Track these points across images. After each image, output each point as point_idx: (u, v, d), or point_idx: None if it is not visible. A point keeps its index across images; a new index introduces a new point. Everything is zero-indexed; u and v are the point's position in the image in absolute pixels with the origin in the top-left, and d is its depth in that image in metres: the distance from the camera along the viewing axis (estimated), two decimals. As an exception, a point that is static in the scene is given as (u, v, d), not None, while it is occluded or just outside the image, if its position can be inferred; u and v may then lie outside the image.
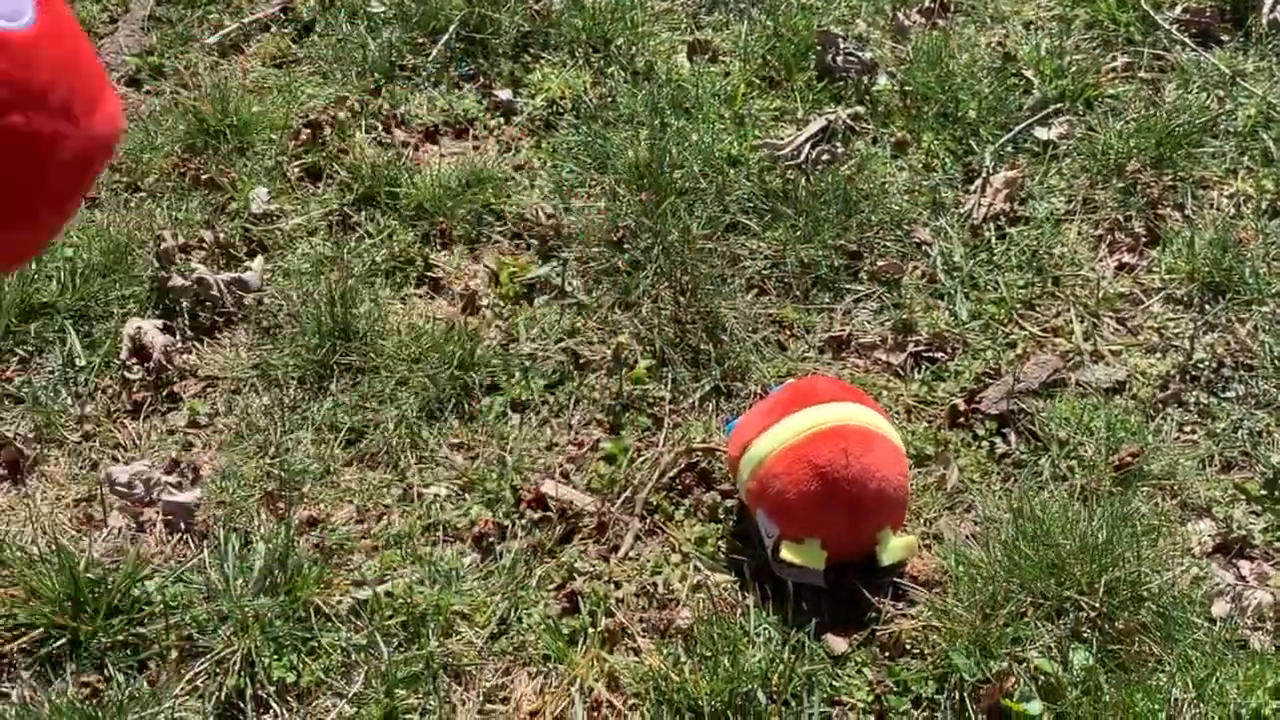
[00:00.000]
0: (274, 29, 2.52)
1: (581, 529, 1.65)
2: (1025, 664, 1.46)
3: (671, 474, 1.72)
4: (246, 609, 1.50)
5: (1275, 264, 1.99)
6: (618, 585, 1.58)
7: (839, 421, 1.54)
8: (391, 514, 1.67)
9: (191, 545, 1.63)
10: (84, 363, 1.86)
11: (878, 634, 1.51)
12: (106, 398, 1.83)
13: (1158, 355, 1.89)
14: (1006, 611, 1.50)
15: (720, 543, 1.63)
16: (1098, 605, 1.49)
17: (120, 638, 1.50)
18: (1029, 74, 2.36)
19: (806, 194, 2.11)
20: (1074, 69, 2.35)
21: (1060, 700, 1.42)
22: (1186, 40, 2.43)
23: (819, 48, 2.40)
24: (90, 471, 1.73)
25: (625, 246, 2.03)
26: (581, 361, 1.88)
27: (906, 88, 2.33)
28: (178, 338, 1.91)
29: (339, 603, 1.54)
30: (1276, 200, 2.10)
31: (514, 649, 1.51)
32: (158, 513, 1.67)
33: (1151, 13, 2.48)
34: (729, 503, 1.68)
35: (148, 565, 1.58)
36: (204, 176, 2.14)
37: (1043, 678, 1.44)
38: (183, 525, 1.65)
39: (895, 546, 1.53)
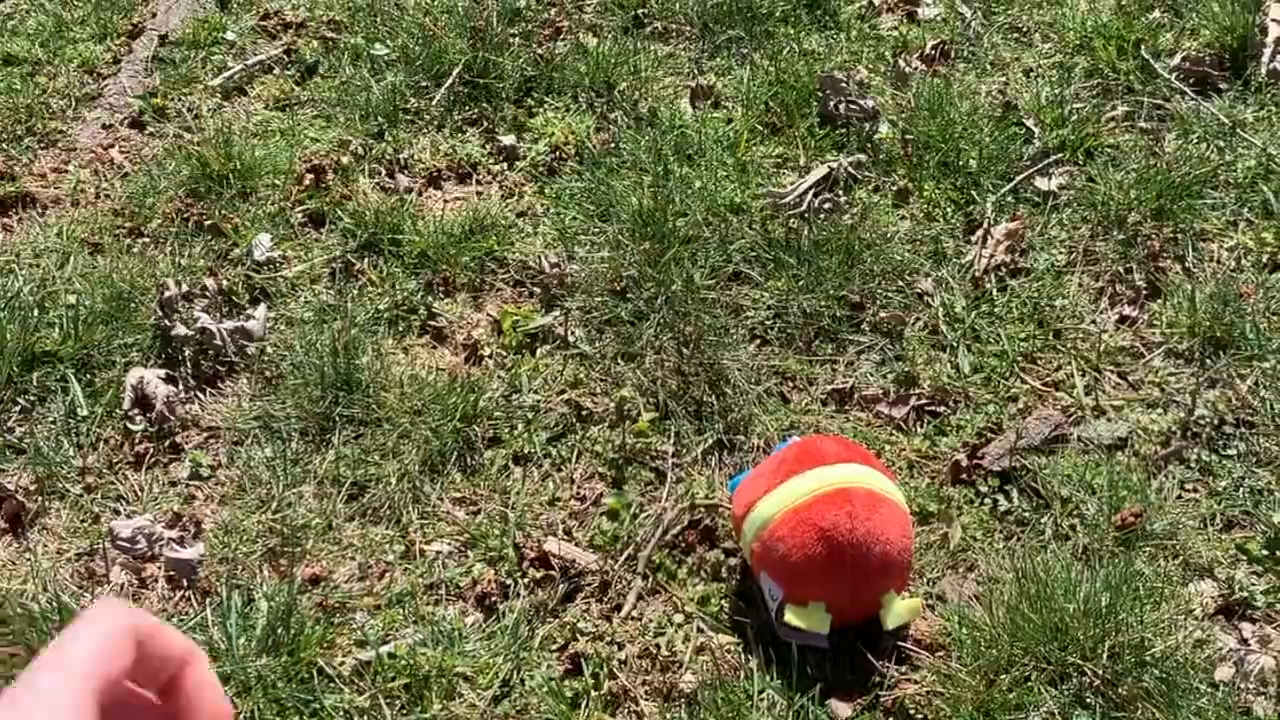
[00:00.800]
0: (277, 70, 2.53)
1: (584, 587, 1.65)
2: (1029, 731, 1.46)
3: (674, 531, 1.72)
4: (250, 670, 1.50)
5: (1275, 319, 2.00)
6: (620, 646, 1.58)
7: (844, 484, 1.54)
8: (394, 571, 1.66)
9: (194, 603, 1.63)
10: (86, 412, 1.86)
11: (882, 699, 1.51)
12: (109, 449, 1.83)
13: (1159, 411, 1.90)
14: (1010, 677, 1.50)
15: (723, 602, 1.63)
16: (1100, 671, 1.49)
17: (121, 699, 1.49)
18: (1029, 123, 2.37)
19: (809, 243, 2.11)
20: (1074, 118, 2.37)
21: (1064, 769, 1.42)
22: (1186, 89, 2.44)
23: (821, 94, 2.41)
24: (92, 525, 1.73)
25: (629, 296, 2.03)
26: (584, 413, 1.88)
27: (908, 136, 2.34)
28: (180, 387, 1.90)
29: (341, 663, 1.53)
30: (1277, 254, 2.11)
31: (516, 712, 1.51)
32: (160, 568, 1.66)
33: (1151, 61, 2.50)
34: (732, 561, 1.68)
35: (149, 623, 1.57)
36: (207, 222, 2.14)
37: (1046, 745, 1.44)
38: (185, 582, 1.64)
39: (900, 610, 1.53)
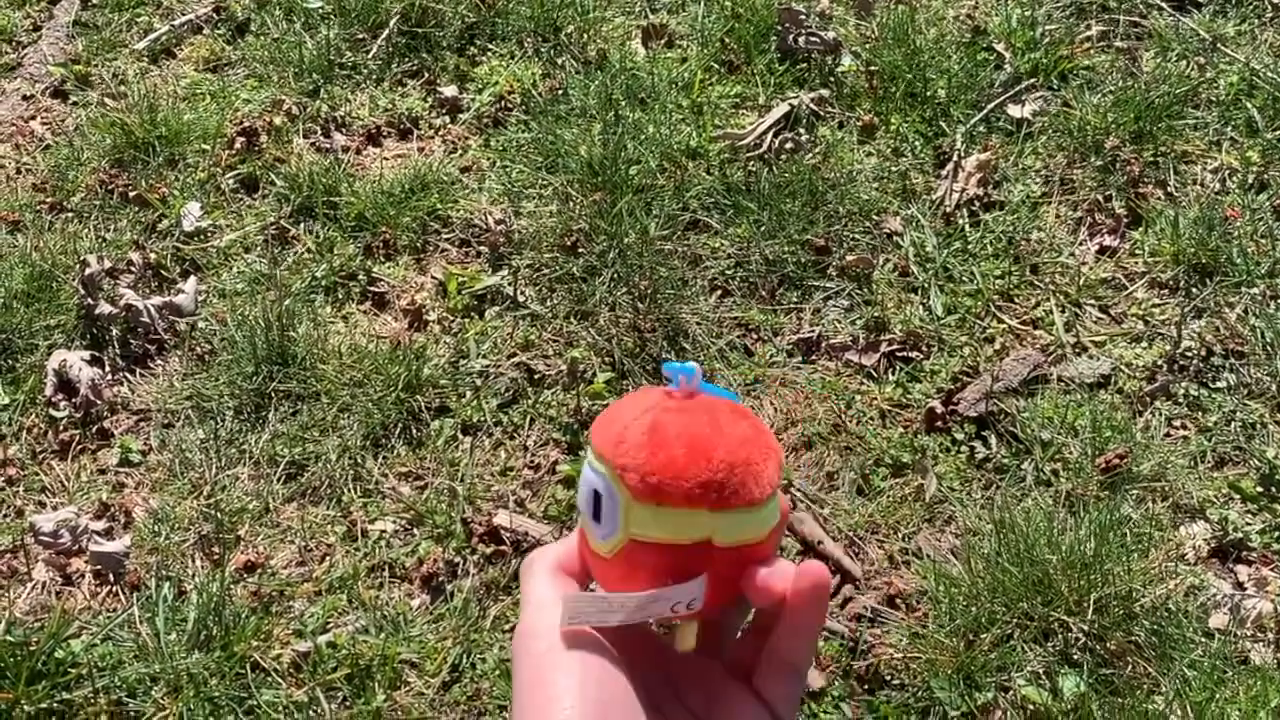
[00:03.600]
0: (207, 31, 2.39)
1: (538, 562, 1.55)
2: (1012, 693, 1.37)
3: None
4: (179, 668, 1.40)
5: (1263, 242, 1.89)
6: (577, 622, 1.48)
7: None
8: (335, 554, 1.56)
9: (122, 598, 1.53)
10: (6, 401, 1.75)
11: (855, 665, 1.42)
12: (31, 438, 1.72)
13: (1143, 345, 1.79)
14: (991, 636, 1.41)
15: (686, 570, 1.53)
16: (1087, 626, 1.40)
17: (45, 705, 1.39)
18: (1000, 47, 2.24)
19: (770, 186, 2.00)
20: (1047, 40, 2.24)
21: (1051, 731, 1.33)
22: (1163, 4, 2.31)
23: (780, 28, 2.28)
24: (15, 520, 1.63)
25: (580, 251, 1.92)
26: (536, 377, 1.78)
27: (872, 67, 2.22)
28: (107, 369, 1.79)
29: (279, 656, 1.44)
30: (1263, 173, 2.00)
31: (467, 698, 1.41)
32: (86, 563, 1.56)
33: (1126, -23, 2.37)
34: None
35: (74, 622, 1.48)
36: (133, 193, 2.02)
37: (1031, 707, 1.35)
38: (112, 576, 1.54)
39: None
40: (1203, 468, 1.63)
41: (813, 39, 2.25)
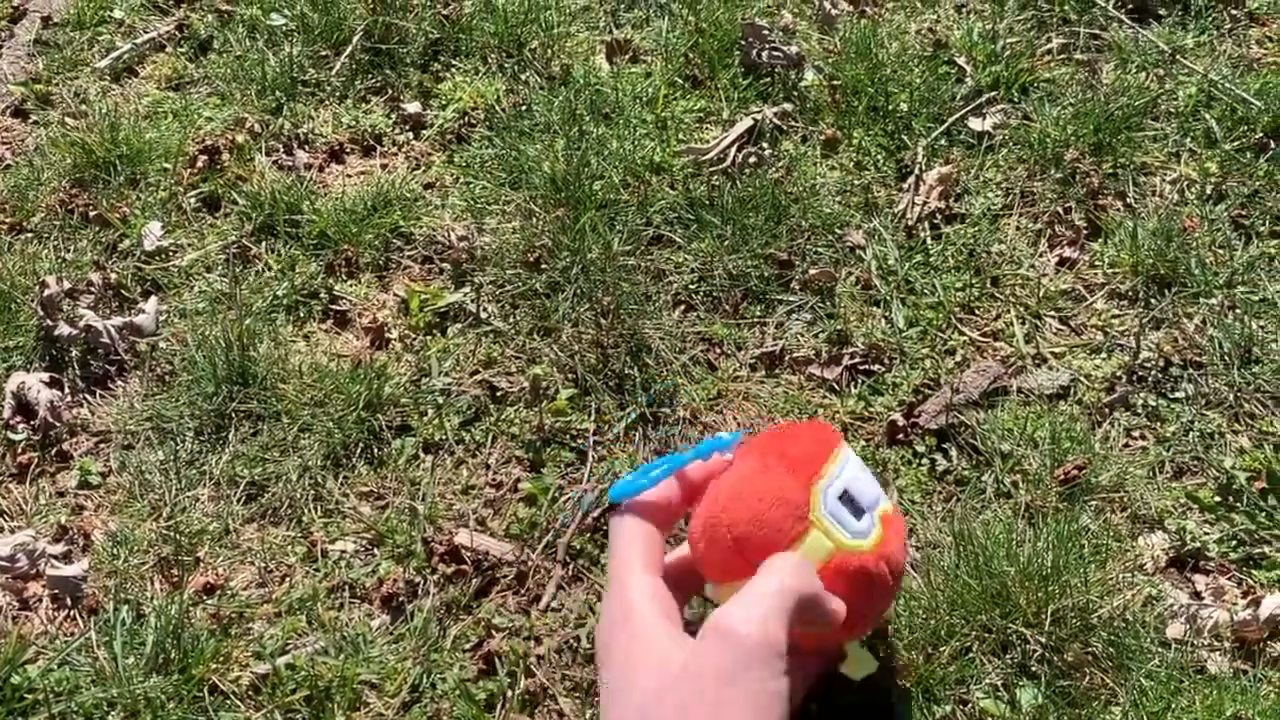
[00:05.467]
0: (170, 49, 2.39)
1: (499, 580, 1.55)
2: (970, 705, 1.38)
3: (596, 513, 1.62)
4: (137, 692, 1.39)
5: (1221, 252, 1.91)
6: (538, 641, 1.48)
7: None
8: (294, 575, 1.56)
9: (80, 622, 1.52)
10: (-36, 424, 1.74)
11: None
12: (-11, 462, 1.71)
13: (1103, 356, 1.80)
14: (949, 649, 1.41)
15: (648, 586, 1.53)
16: (1045, 638, 1.41)
17: (-1, 732, 1.38)
18: (961, 61, 2.26)
19: (733, 200, 2.00)
20: (1008, 54, 2.26)
21: (1009, 744, 1.34)
22: (1123, 17, 2.34)
23: (744, 42, 2.29)
24: (-29, 544, 1.61)
25: (543, 267, 1.92)
26: (499, 394, 1.77)
27: (835, 82, 2.23)
28: (66, 391, 1.78)
29: (237, 679, 1.43)
30: (1221, 183, 2.02)
31: (427, 718, 1.41)
32: (44, 587, 1.55)
33: (1086, -11, 2.39)
34: (657, 541, 1.58)
35: (31, 648, 1.46)
36: (93, 213, 2.01)
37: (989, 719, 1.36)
38: (70, 600, 1.53)
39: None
40: (1161, 478, 1.64)
41: (776, 53, 2.27)
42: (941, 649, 1.41)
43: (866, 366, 1.81)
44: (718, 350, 1.84)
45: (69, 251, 1.98)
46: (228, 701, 1.41)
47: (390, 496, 1.64)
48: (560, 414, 1.74)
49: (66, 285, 1.87)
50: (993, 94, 2.19)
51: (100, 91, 2.28)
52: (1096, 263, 1.93)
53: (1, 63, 2.37)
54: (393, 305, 1.90)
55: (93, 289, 1.90)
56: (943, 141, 2.12)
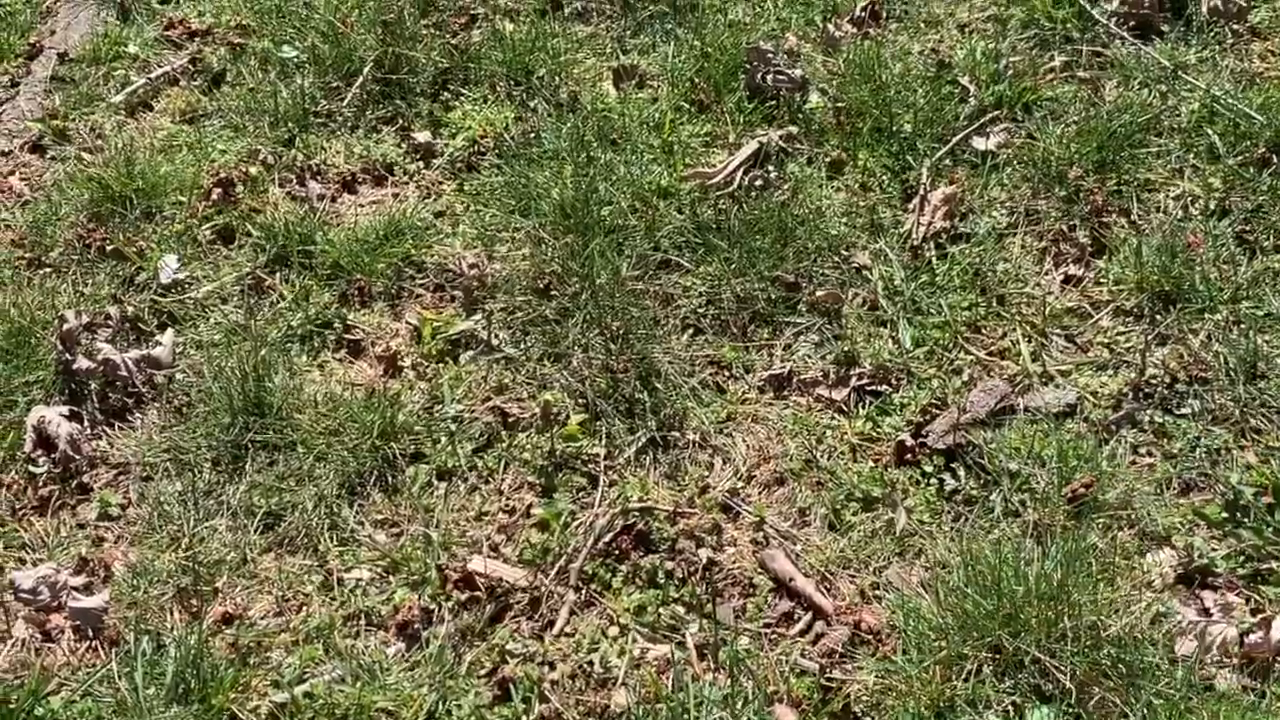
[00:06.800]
0: (183, 82, 2.43)
1: (513, 606, 1.57)
2: (982, 726, 1.39)
3: (608, 538, 1.63)
4: (158, 722, 1.42)
5: (1226, 268, 1.92)
6: (552, 666, 1.50)
7: None
8: (311, 604, 1.58)
9: (102, 653, 1.54)
10: (-14, 458, 1.77)
11: (828, 702, 1.43)
12: (11, 495, 1.73)
13: (1109, 373, 1.82)
14: (961, 670, 1.42)
15: (660, 610, 1.55)
16: (1054, 659, 1.42)
17: (24, 764, 1.41)
18: (965, 81, 2.28)
19: (740, 224, 2.03)
20: (1011, 72, 2.28)
21: (1020, 764, 1.35)
22: (1125, 34, 2.35)
23: (749, 66, 2.31)
24: (-6, 577, 1.64)
25: (553, 293, 1.94)
26: (511, 420, 1.79)
27: (839, 104, 2.25)
28: (86, 424, 1.81)
29: (256, 708, 1.45)
30: (1225, 199, 2.03)
31: (444, 745, 1.43)
32: (66, 619, 1.58)
33: (1088, 6, 2.40)
34: (669, 565, 1.60)
35: (54, 679, 1.49)
36: (110, 247, 2.05)
37: (1001, 740, 1.37)
38: (91, 632, 1.56)
39: None
40: (1168, 495, 1.65)
41: (781, 77, 2.29)
42: (953, 670, 1.42)
43: (874, 387, 1.82)
44: (726, 373, 1.86)
45: (87, 285, 2.01)
46: (247, 730, 1.43)
47: (405, 524, 1.67)
48: (571, 439, 1.76)
49: (85, 319, 1.90)
50: (996, 113, 2.21)
51: (116, 126, 2.32)
52: (1101, 280, 1.94)
53: (19, 99, 2.41)
54: (405, 334, 1.93)
55: (110, 322, 1.93)
56: (947, 161, 2.14)
